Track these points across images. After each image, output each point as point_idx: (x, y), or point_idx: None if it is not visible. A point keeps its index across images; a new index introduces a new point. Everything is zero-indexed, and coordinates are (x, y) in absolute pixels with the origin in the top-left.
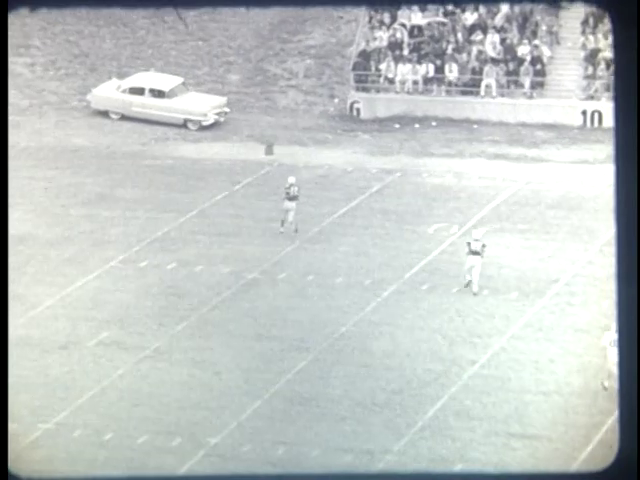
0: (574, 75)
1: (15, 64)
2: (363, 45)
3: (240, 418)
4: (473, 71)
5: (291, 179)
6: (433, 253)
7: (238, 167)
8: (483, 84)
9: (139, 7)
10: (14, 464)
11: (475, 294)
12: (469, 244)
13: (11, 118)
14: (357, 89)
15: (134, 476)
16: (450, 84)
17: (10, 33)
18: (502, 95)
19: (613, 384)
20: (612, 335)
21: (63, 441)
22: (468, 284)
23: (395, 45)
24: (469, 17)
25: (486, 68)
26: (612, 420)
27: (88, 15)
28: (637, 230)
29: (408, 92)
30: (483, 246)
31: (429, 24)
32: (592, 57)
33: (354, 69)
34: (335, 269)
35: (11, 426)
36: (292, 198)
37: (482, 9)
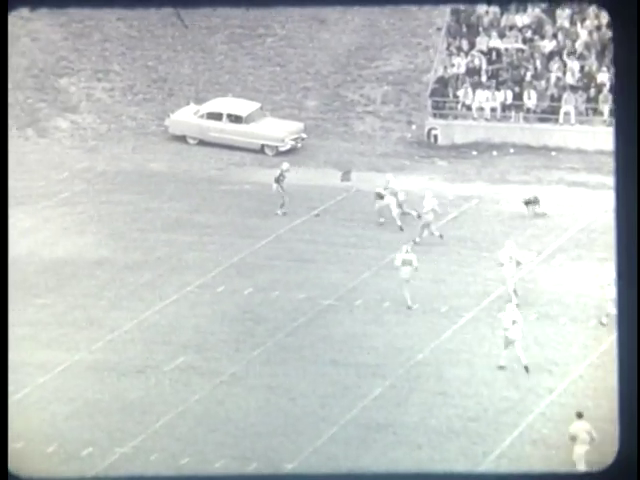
0: None
1: (94, 89)
2: (441, 71)
3: (316, 444)
4: (552, 98)
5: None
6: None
7: (315, 193)
8: (562, 111)
9: (139, 7)
10: None
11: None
12: (380, 190)
13: (89, 142)
14: (435, 116)
15: (134, 476)
16: (528, 111)
17: (90, 59)
18: (581, 122)
19: (611, 321)
20: (611, 275)
21: (140, 465)
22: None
23: (473, 72)
24: (547, 44)
25: (565, 95)
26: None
27: (166, 40)
28: (637, 233)
29: (486, 119)
30: (385, 189)
31: (507, 50)
32: None
33: (432, 95)
34: (412, 296)
35: (87, 450)
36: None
37: (560, 36)
